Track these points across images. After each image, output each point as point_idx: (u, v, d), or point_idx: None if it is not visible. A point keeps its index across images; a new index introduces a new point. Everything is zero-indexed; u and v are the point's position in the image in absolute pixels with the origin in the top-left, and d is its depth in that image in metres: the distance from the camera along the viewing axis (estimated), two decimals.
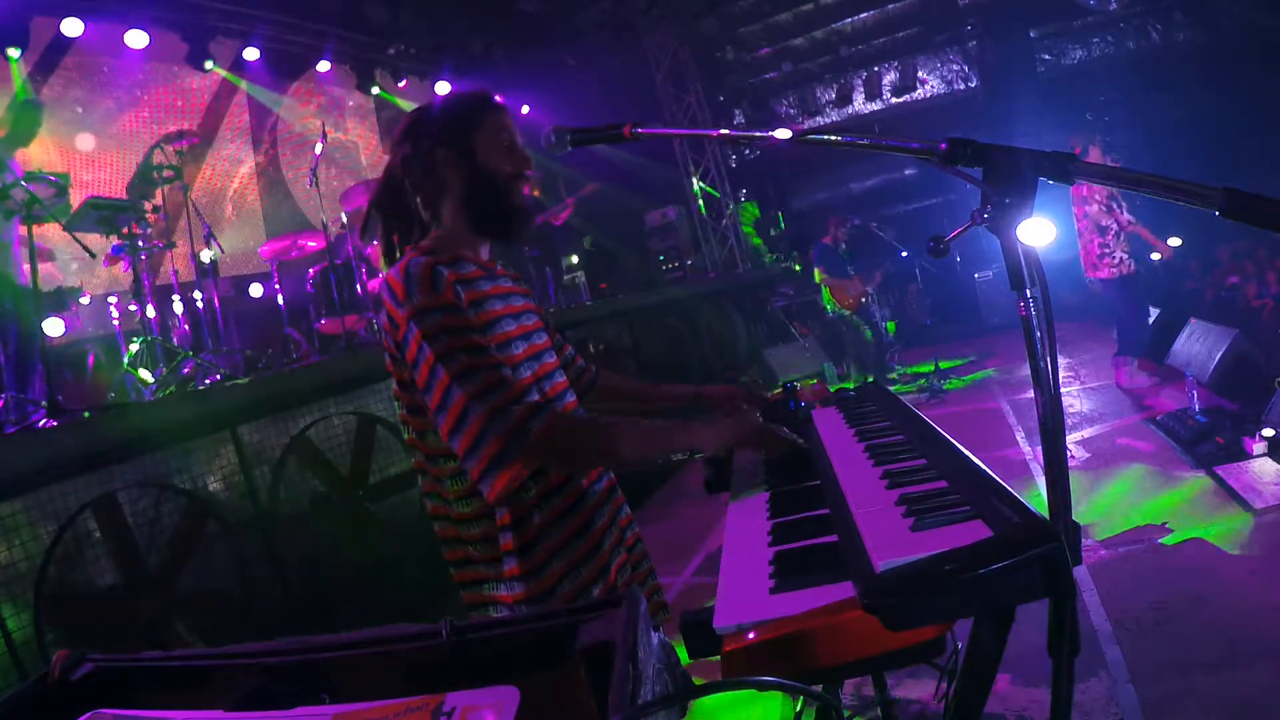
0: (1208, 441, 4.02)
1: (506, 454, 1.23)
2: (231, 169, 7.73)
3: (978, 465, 1.05)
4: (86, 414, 3.69)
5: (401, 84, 8.91)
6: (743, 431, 1.45)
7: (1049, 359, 0.88)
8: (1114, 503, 3.76)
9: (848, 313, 7.83)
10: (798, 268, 10.03)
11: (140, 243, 4.63)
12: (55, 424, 3.36)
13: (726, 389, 1.85)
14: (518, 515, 1.37)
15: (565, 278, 8.43)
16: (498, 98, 1.53)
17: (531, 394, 1.33)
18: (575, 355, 1.79)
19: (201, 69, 6.87)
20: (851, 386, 1.96)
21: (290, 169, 8.18)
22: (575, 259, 8.96)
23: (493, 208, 1.47)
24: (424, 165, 1.46)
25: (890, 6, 9.98)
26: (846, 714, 2.31)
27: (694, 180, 10.65)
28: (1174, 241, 6.70)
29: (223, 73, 7.07)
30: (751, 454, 1.62)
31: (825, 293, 7.92)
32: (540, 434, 1.24)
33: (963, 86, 10.64)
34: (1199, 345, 5.38)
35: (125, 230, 4.53)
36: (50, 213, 4.12)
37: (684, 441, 1.39)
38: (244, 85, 7.33)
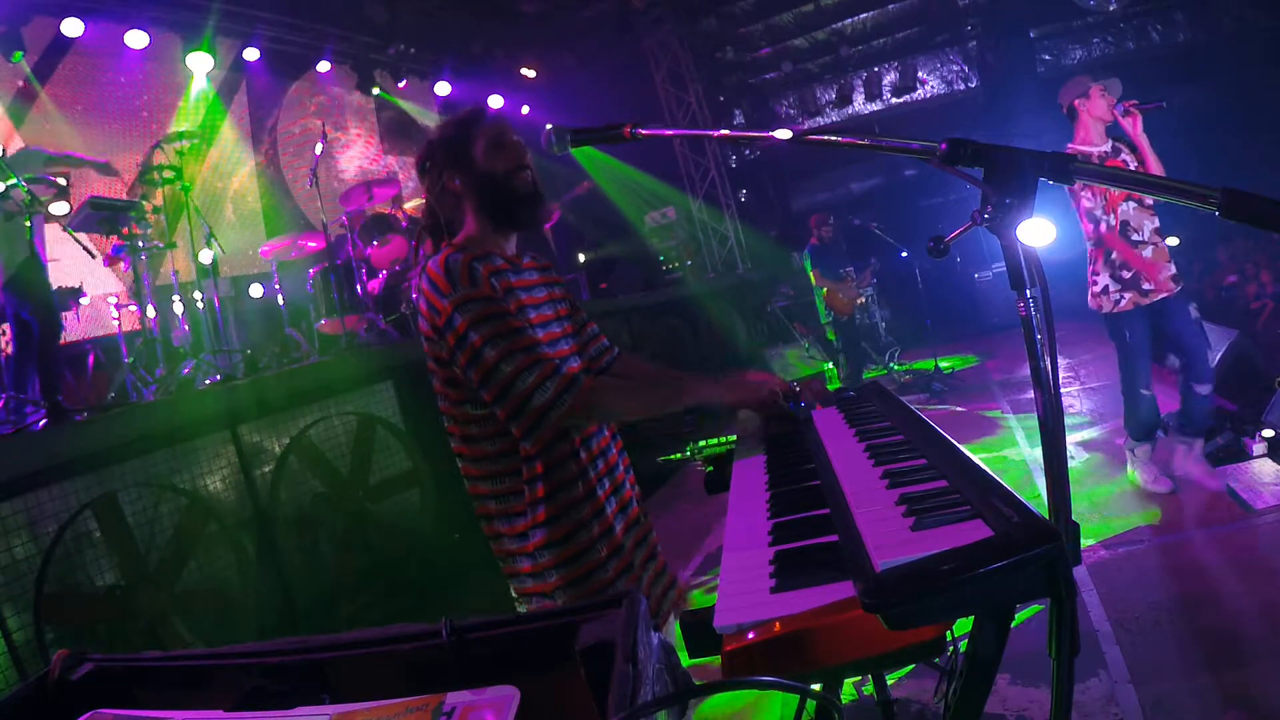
0: (1208, 442, 4.02)
1: (547, 418, 1.49)
2: (231, 169, 7.72)
3: (978, 465, 1.05)
4: (85, 414, 3.69)
5: (401, 84, 8.90)
6: (740, 386, 1.68)
7: (1049, 359, 0.88)
8: (1114, 502, 3.76)
9: (843, 318, 7.78)
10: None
11: (140, 243, 4.63)
12: (55, 424, 3.36)
13: (742, 377, 1.88)
14: (539, 476, 1.58)
15: None
16: (484, 105, 1.73)
17: (563, 366, 1.56)
18: (599, 335, 1.94)
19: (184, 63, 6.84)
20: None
21: (290, 169, 8.18)
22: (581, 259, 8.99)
23: (502, 203, 1.65)
24: (441, 189, 1.67)
25: (890, 6, 9.98)
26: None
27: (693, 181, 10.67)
28: (1172, 241, 6.60)
29: (204, 70, 6.99)
30: (753, 454, 1.62)
31: (819, 298, 7.85)
32: (573, 402, 1.50)
33: (963, 86, 10.64)
34: None
35: (125, 230, 4.53)
36: (50, 212, 4.14)
37: (691, 396, 1.64)
38: (208, 83, 7.25)
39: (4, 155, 4.12)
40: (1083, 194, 3.70)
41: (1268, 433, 3.76)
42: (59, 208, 4.28)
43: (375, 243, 5.81)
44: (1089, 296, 3.79)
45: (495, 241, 1.67)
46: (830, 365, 8.27)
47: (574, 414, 1.51)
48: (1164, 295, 3.60)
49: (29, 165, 4.55)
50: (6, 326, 4.25)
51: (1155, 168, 3.61)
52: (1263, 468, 3.69)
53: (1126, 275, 3.64)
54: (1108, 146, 3.71)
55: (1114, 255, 3.64)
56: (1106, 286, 3.68)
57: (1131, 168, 3.62)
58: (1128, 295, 3.63)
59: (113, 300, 5.34)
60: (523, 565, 1.60)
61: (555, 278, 1.81)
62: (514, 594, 1.66)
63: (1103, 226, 3.66)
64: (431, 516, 4.23)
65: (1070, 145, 3.73)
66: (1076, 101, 3.80)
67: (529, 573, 1.60)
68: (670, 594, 1.79)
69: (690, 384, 1.69)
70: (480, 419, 1.57)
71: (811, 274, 7.66)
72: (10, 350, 4.19)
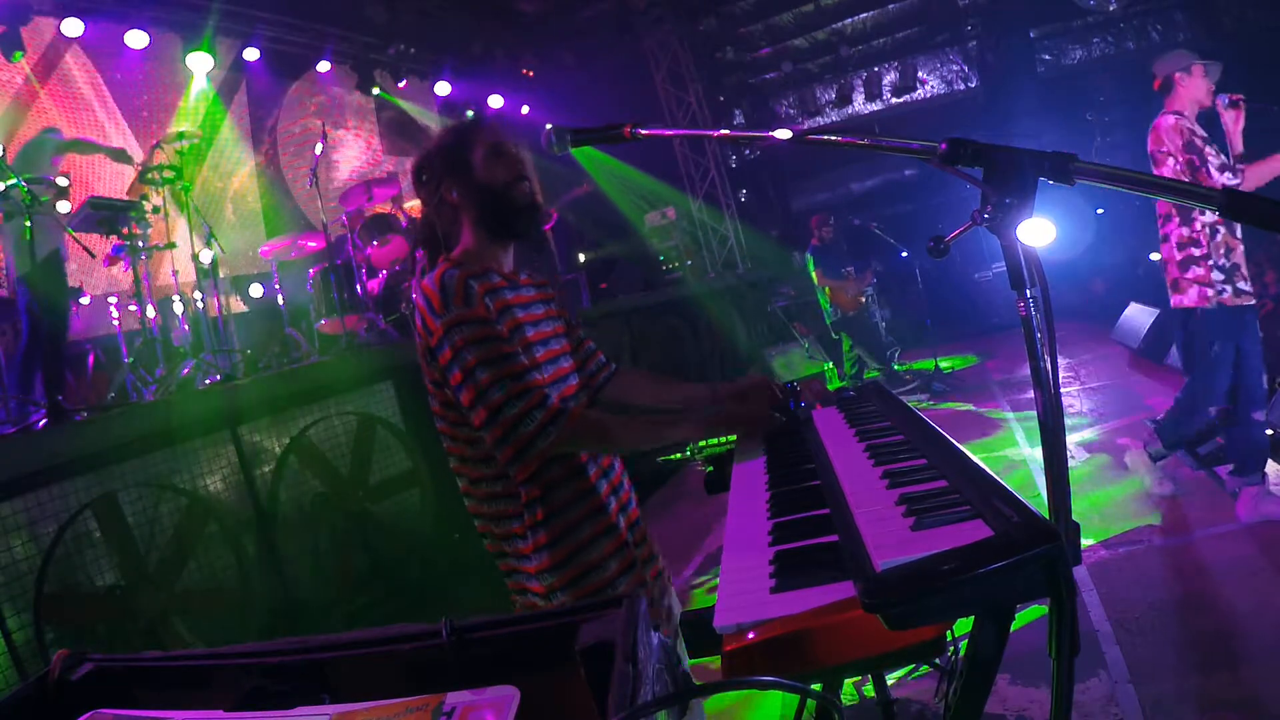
0: (1208, 441, 4.01)
1: (531, 448, 1.47)
2: (231, 169, 7.73)
3: (978, 465, 1.05)
4: (85, 414, 3.69)
5: (401, 84, 8.90)
6: (724, 419, 1.65)
7: (1049, 359, 0.88)
8: (1114, 503, 3.76)
9: (851, 313, 7.77)
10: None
11: (140, 243, 4.63)
12: (55, 424, 3.36)
13: (740, 384, 1.86)
14: (538, 499, 1.57)
15: None
16: (482, 114, 1.66)
17: (552, 396, 1.53)
18: (596, 352, 1.91)
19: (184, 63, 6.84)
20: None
21: (290, 169, 8.18)
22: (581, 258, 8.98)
23: (500, 214, 1.64)
24: (438, 199, 1.65)
25: (890, 6, 9.98)
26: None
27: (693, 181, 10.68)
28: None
29: (204, 70, 6.98)
30: (753, 454, 1.62)
31: (823, 297, 7.83)
32: (559, 434, 1.48)
33: (963, 86, 10.64)
34: None
35: (125, 230, 4.54)
36: (50, 213, 4.15)
37: (674, 434, 1.59)
38: (208, 83, 7.24)
39: (3, 154, 4.12)
40: (1168, 162, 3.27)
41: (1268, 432, 3.75)
42: (59, 207, 4.29)
43: (375, 243, 5.81)
44: (1173, 292, 3.35)
45: (493, 255, 1.66)
46: (830, 365, 8.27)
47: (560, 444, 1.49)
48: (1249, 303, 3.23)
49: (42, 152, 4.58)
50: (16, 323, 4.25)
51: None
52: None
53: (1226, 264, 3.19)
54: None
55: (1218, 238, 3.19)
56: (1209, 276, 3.21)
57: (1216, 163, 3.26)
58: (1228, 289, 3.20)
59: (113, 300, 5.34)
60: (532, 586, 1.59)
61: (551, 294, 1.80)
62: (520, 604, 1.65)
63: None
64: (431, 516, 4.23)
65: (1172, 109, 3.38)
66: (1177, 75, 3.40)
67: (540, 593, 1.58)
68: (667, 598, 1.77)
69: (681, 422, 1.64)
70: (478, 440, 1.55)
71: (814, 274, 7.66)
72: (21, 345, 4.20)
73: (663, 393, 1.95)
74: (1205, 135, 3.26)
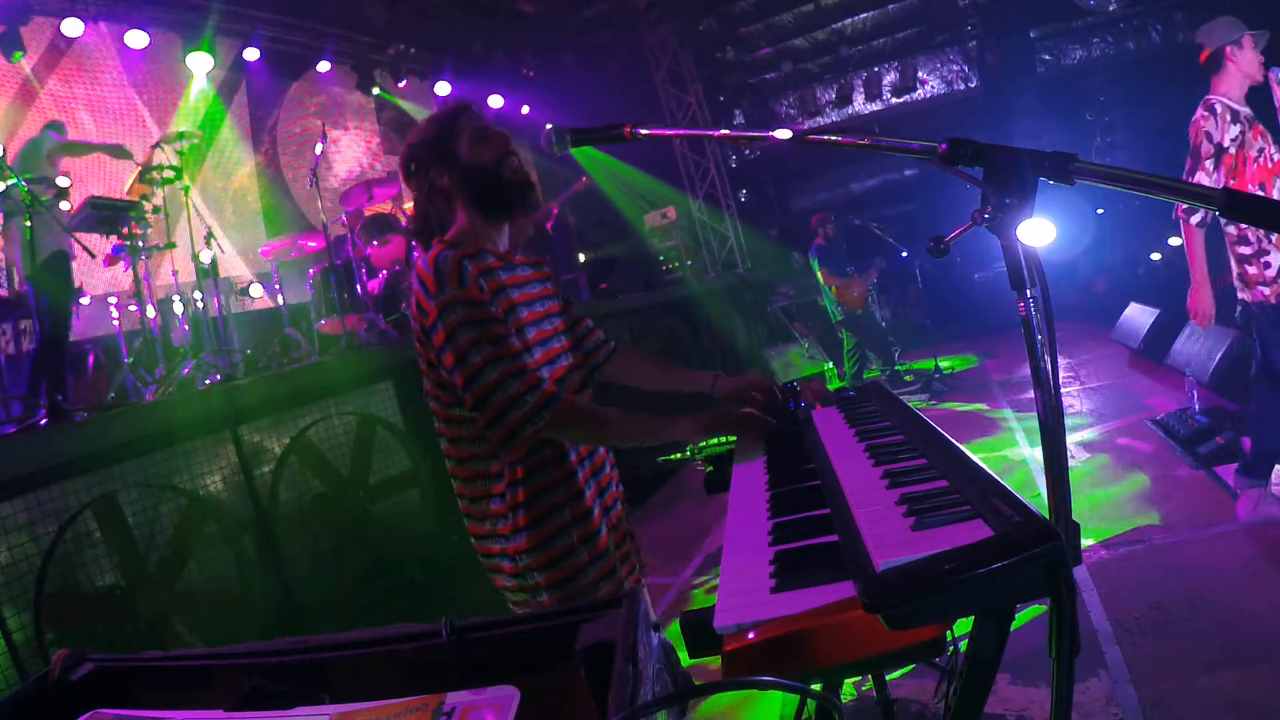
0: (1208, 441, 4.01)
1: (521, 431, 1.49)
2: (231, 169, 7.73)
3: (978, 465, 1.05)
4: (85, 414, 3.69)
5: (401, 84, 8.91)
6: (721, 421, 1.62)
7: (1049, 359, 0.88)
8: (1114, 503, 3.76)
9: (858, 312, 7.75)
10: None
11: (140, 243, 4.63)
12: (55, 424, 3.36)
13: (741, 380, 1.86)
14: (521, 480, 1.58)
15: None
16: (460, 102, 1.73)
17: (545, 379, 1.53)
18: (594, 330, 1.93)
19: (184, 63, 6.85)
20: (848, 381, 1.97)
21: (290, 169, 8.18)
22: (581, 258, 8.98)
23: (491, 190, 1.64)
24: (430, 187, 1.66)
25: (890, 6, 9.98)
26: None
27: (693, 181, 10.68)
28: (1174, 241, 6.49)
29: (204, 70, 6.98)
30: (753, 454, 1.62)
31: (829, 295, 7.80)
32: (550, 420, 1.50)
33: (963, 86, 10.63)
34: (1199, 345, 5.38)
35: (125, 230, 4.54)
36: (50, 213, 4.14)
37: (669, 433, 1.60)
38: (208, 83, 7.24)
39: (3, 154, 4.12)
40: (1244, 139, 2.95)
41: None
42: (59, 207, 4.29)
43: (375, 243, 5.81)
44: (1241, 285, 3.06)
45: (488, 235, 1.67)
46: (830, 365, 8.27)
47: (551, 429, 1.51)
48: None
49: (41, 149, 4.58)
50: (27, 323, 4.25)
51: None
52: None
53: None
54: (1250, 111, 3.05)
55: (1275, 236, 2.92)
56: (1262, 275, 2.95)
57: (1258, 146, 3.03)
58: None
59: (113, 300, 5.34)
60: (505, 565, 1.61)
61: (547, 273, 1.80)
62: (500, 589, 1.67)
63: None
64: (431, 516, 4.23)
65: (1210, 97, 3.11)
66: (1228, 49, 3.06)
67: (511, 573, 1.61)
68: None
69: (678, 421, 1.62)
70: (468, 421, 1.57)
71: (820, 273, 7.65)
72: (32, 347, 4.19)
73: (662, 376, 1.96)
74: (1221, 144, 3.00)
